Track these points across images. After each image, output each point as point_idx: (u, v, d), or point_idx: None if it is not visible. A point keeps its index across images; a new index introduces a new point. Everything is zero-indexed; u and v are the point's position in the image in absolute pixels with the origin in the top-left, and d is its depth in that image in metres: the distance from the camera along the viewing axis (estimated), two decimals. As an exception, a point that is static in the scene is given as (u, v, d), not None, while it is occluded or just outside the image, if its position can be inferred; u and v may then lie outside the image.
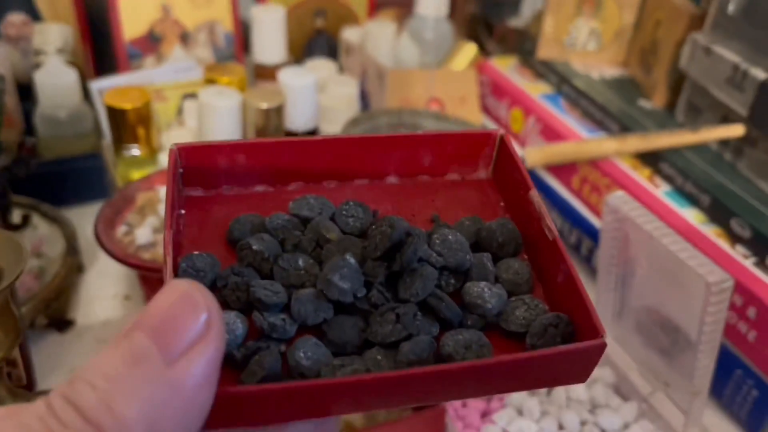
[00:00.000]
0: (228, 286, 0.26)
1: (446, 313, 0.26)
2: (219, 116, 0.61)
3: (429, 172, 0.33)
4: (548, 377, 0.27)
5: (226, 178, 0.31)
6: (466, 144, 0.33)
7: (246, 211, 0.30)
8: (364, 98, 0.81)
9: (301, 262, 0.27)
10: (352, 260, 0.26)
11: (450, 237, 0.28)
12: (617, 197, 0.50)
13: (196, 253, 0.27)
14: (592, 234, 0.67)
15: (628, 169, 0.65)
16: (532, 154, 0.60)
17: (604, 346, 0.25)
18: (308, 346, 0.25)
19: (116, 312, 0.63)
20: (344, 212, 0.30)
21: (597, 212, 0.67)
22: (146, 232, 0.53)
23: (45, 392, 0.52)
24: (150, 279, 0.54)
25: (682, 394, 0.52)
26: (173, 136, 0.68)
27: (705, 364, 0.48)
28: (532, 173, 0.75)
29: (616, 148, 0.60)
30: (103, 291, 0.65)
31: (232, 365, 0.24)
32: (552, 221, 0.29)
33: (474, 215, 0.31)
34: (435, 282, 0.27)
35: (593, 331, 0.25)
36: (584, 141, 0.60)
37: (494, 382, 0.26)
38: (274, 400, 0.23)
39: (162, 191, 0.58)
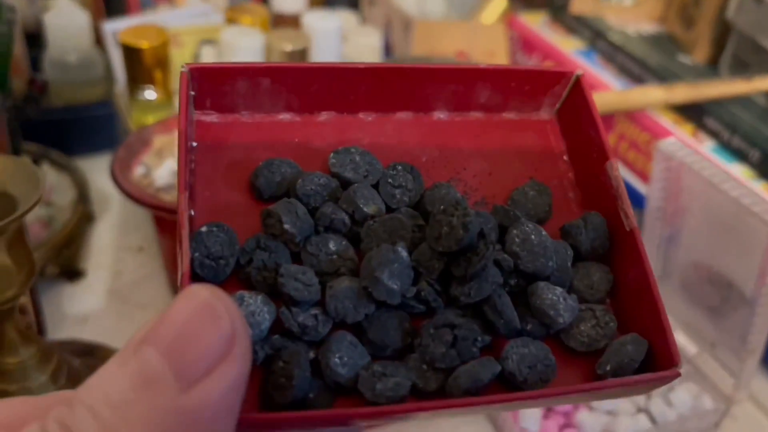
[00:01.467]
0: (254, 263, 0.23)
1: (502, 330, 0.23)
2: (241, 57, 0.57)
3: (483, 109, 0.28)
4: (609, 397, 0.24)
5: (246, 104, 0.26)
6: (533, 82, 0.28)
7: (268, 146, 0.25)
8: (388, 50, 0.78)
9: (332, 245, 0.23)
10: (404, 253, 0.22)
11: (533, 237, 0.24)
12: (670, 143, 0.47)
13: (204, 229, 0.22)
14: (630, 195, 0.64)
15: (670, 124, 0.62)
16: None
17: (677, 376, 0.22)
18: (343, 348, 0.22)
19: (128, 263, 0.60)
20: (390, 180, 0.25)
21: (636, 171, 0.64)
22: (165, 173, 0.50)
23: (56, 342, 0.49)
24: (168, 225, 0.51)
25: (731, 355, 0.49)
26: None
27: (762, 321, 0.45)
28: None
29: (663, 97, 0.57)
30: (115, 242, 0.62)
31: (252, 362, 0.21)
32: (630, 206, 0.25)
33: (534, 175, 0.27)
34: (495, 287, 0.23)
35: (667, 355, 0.23)
36: (628, 90, 0.57)
37: (554, 403, 0.23)
38: (304, 423, 0.21)
39: (180, 135, 0.55)
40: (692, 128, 0.62)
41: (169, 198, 0.49)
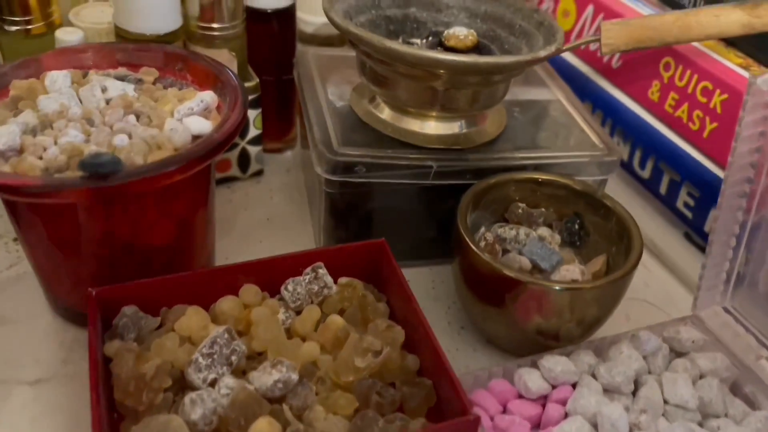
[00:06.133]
0: None
1: None
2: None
3: None
4: None
5: None
6: None
7: None
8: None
9: None
10: None
11: None
12: (774, 80, 0.30)
13: None
14: (684, 167, 0.48)
15: (739, 69, 0.45)
16: (613, 31, 0.39)
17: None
18: None
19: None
20: None
21: (689, 135, 0.47)
22: (11, 132, 0.34)
23: None
24: (22, 210, 0.35)
25: None
26: (88, 14, 0.48)
27: None
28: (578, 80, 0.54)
29: (743, 21, 0.40)
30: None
31: None
32: None
33: None
34: None
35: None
36: (690, 12, 0.40)
37: None
38: None
39: (53, 77, 0.38)
40: (770, 73, 0.45)
41: (8, 168, 0.33)
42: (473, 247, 0.36)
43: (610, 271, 0.40)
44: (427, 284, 0.45)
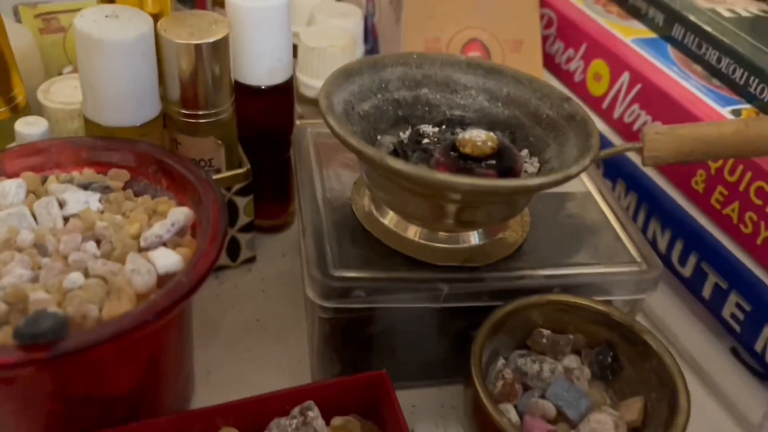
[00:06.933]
0: None
1: None
2: (110, 60, 0.35)
3: None
4: None
5: None
6: None
7: None
8: (371, 38, 0.55)
9: None
10: None
11: None
12: None
13: None
14: (733, 275, 0.41)
15: (801, 167, 0.39)
16: (658, 142, 0.33)
17: None
18: None
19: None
20: None
21: (739, 236, 0.41)
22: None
23: None
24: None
25: None
26: (59, 90, 0.42)
27: None
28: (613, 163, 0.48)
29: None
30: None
31: None
32: None
33: None
34: None
35: None
36: (750, 122, 0.34)
37: None
38: None
39: (5, 189, 0.33)
40: (839, 175, 0.39)
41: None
42: (491, 410, 0.31)
43: (649, 419, 0.34)
44: (435, 411, 0.39)
